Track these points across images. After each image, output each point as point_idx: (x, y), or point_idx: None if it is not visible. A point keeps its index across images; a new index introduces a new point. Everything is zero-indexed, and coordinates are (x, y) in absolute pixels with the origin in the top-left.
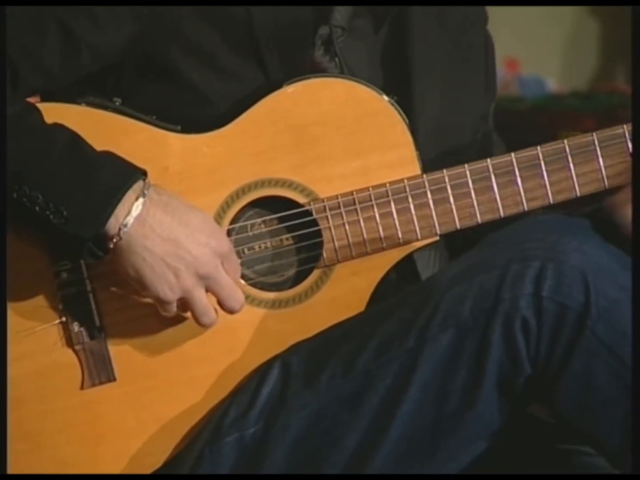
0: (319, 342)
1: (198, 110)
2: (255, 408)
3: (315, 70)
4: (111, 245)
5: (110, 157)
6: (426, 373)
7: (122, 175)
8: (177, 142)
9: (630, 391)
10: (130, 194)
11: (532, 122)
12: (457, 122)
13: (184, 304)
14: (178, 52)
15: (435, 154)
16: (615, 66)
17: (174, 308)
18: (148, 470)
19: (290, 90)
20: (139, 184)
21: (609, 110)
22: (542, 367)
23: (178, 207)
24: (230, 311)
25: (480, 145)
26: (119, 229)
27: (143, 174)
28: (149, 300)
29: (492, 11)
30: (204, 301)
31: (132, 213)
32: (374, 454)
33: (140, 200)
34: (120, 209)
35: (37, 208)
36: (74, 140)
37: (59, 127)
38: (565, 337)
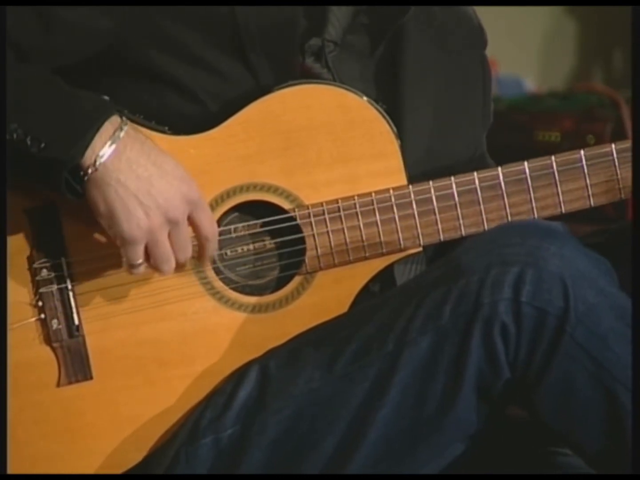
0: (297, 345)
1: (188, 109)
2: (231, 410)
3: (307, 76)
4: (86, 177)
5: (86, 92)
6: (405, 377)
7: (100, 108)
8: (164, 143)
9: (610, 395)
10: (107, 125)
11: (510, 122)
12: (449, 145)
13: (146, 249)
14: (162, 53)
15: (425, 177)
16: (593, 66)
17: (139, 254)
18: (122, 469)
19: (280, 95)
20: (115, 118)
21: (586, 110)
22: (521, 372)
23: (153, 148)
24: (176, 262)
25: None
26: (95, 160)
27: (119, 111)
28: (119, 254)
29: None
30: (167, 246)
31: (108, 145)
32: (352, 457)
33: (118, 133)
34: (97, 140)
35: (15, 136)
36: (49, 75)
37: (34, 65)
38: (545, 342)
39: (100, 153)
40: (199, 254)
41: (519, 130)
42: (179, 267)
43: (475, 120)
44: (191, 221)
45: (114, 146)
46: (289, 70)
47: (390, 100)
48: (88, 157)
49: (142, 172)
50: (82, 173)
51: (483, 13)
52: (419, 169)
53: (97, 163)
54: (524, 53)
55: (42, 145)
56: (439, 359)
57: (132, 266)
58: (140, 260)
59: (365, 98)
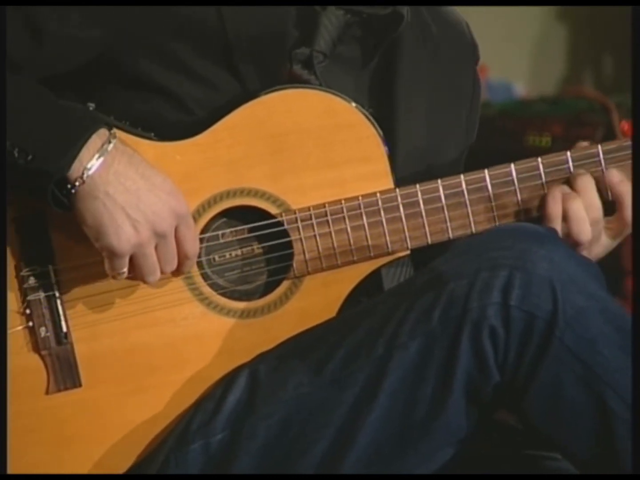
0: (286, 350)
1: (176, 116)
2: (221, 415)
3: (295, 82)
4: (73, 190)
5: (74, 104)
6: (395, 381)
7: (88, 120)
8: (150, 150)
9: (598, 398)
10: (95, 139)
11: (500, 127)
12: (440, 155)
13: (133, 260)
14: (151, 63)
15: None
16: (583, 71)
17: (124, 264)
18: None
19: (267, 99)
20: (104, 131)
21: (576, 115)
22: (510, 375)
23: (142, 161)
24: (161, 272)
25: None
26: (83, 172)
27: (107, 123)
28: (102, 259)
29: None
30: (154, 259)
31: (96, 157)
32: (342, 462)
33: (106, 146)
34: (84, 152)
35: None
36: (38, 87)
37: (22, 77)
38: (534, 346)
39: (88, 165)
40: (176, 269)
41: (509, 135)
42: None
43: (461, 133)
44: (175, 235)
45: (101, 159)
46: (277, 78)
47: (383, 110)
48: (75, 170)
49: (130, 185)
50: (69, 186)
51: (474, 17)
52: (411, 176)
53: (85, 176)
54: (514, 58)
55: (29, 157)
56: (428, 363)
57: (116, 274)
58: (124, 270)
59: (351, 102)
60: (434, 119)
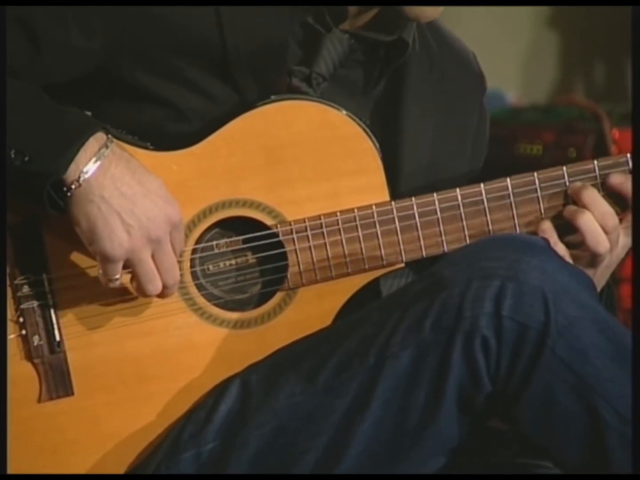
0: (278, 359)
1: (174, 127)
2: (212, 425)
3: (292, 93)
4: (69, 193)
5: (72, 108)
6: (387, 390)
7: (85, 124)
8: (146, 159)
9: (590, 408)
10: (92, 142)
11: (491, 135)
12: (443, 177)
13: (130, 268)
14: (150, 74)
15: None
16: (574, 79)
17: (117, 270)
18: None
19: (264, 110)
20: (101, 135)
21: (568, 124)
22: (502, 385)
23: (138, 166)
24: (164, 285)
25: None
26: (79, 176)
27: (104, 128)
28: (99, 275)
29: (451, 25)
30: (151, 266)
31: (93, 161)
32: (334, 470)
33: (103, 150)
34: (81, 155)
35: None
36: (36, 90)
37: (21, 80)
38: (526, 356)
39: (85, 169)
40: None
41: (500, 144)
42: (168, 292)
43: (465, 156)
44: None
45: (98, 163)
46: (276, 91)
47: (388, 132)
48: (72, 173)
49: (126, 190)
50: (65, 189)
51: (464, 24)
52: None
53: (81, 179)
54: (505, 66)
55: (26, 158)
56: (420, 373)
57: (108, 281)
58: (117, 276)
59: (348, 114)
60: (439, 141)
